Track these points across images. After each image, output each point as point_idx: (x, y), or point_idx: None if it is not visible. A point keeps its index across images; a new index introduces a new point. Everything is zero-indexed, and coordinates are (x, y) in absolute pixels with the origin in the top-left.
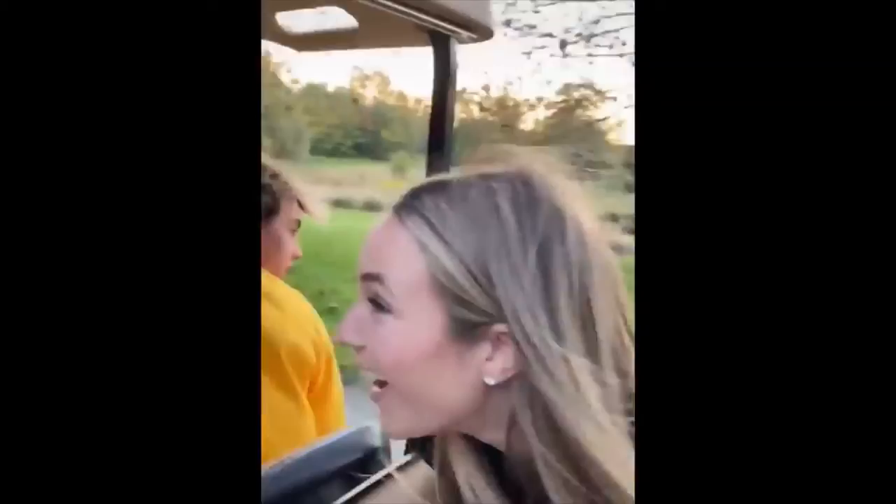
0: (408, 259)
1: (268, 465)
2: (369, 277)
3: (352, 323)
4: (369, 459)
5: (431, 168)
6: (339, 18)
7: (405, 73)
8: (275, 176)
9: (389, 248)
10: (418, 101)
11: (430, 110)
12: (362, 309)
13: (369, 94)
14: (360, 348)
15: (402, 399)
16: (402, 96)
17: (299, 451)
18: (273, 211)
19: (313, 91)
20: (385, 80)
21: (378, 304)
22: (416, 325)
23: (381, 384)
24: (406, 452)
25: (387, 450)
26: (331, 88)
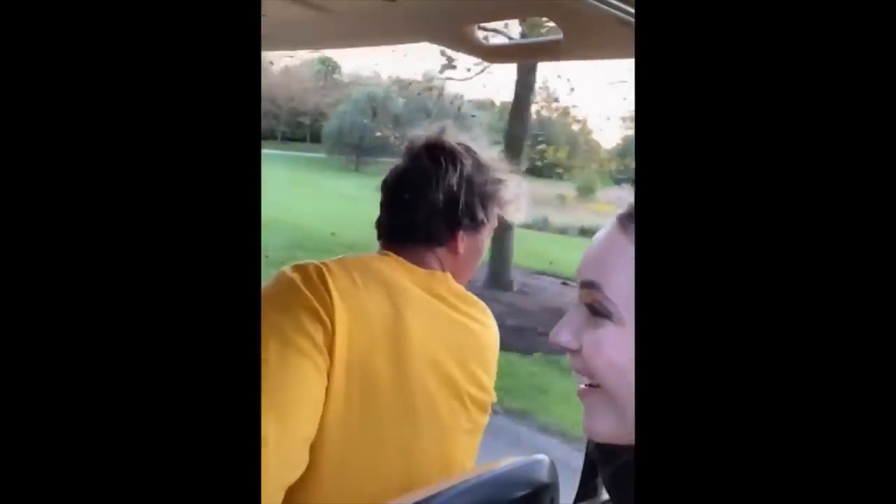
0: (629, 267)
1: (430, 491)
2: (589, 284)
3: (568, 326)
4: (538, 496)
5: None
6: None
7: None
8: (499, 182)
9: (611, 256)
10: (580, 119)
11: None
12: (579, 313)
13: (533, 110)
14: (574, 352)
15: (610, 403)
16: (564, 112)
17: (465, 478)
18: (489, 219)
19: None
20: (551, 96)
21: (596, 310)
22: (634, 332)
23: (592, 386)
24: (577, 501)
25: (556, 487)
26: (498, 102)
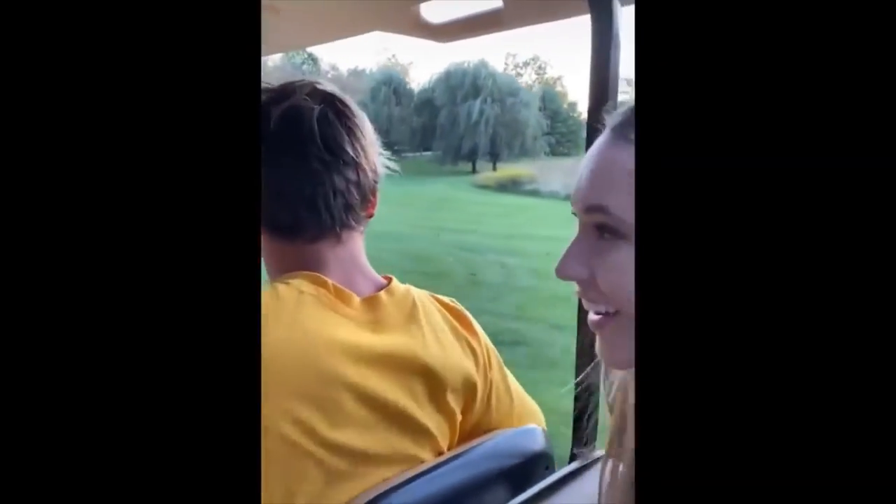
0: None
1: (425, 466)
2: (595, 208)
3: (575, 256)
4: (533, 464)
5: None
6: (483, 1)
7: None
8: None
9: (615, 171)
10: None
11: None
12: (585, 239)
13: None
14: (585, 281)
15: (630, 328)
16: (559, 83)
17: (458, 452)
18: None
19: None
20: (543, 66)
21: (609, 232)
22: None
23: (608, 314)
24: (571, 461)
25: (550, 454)
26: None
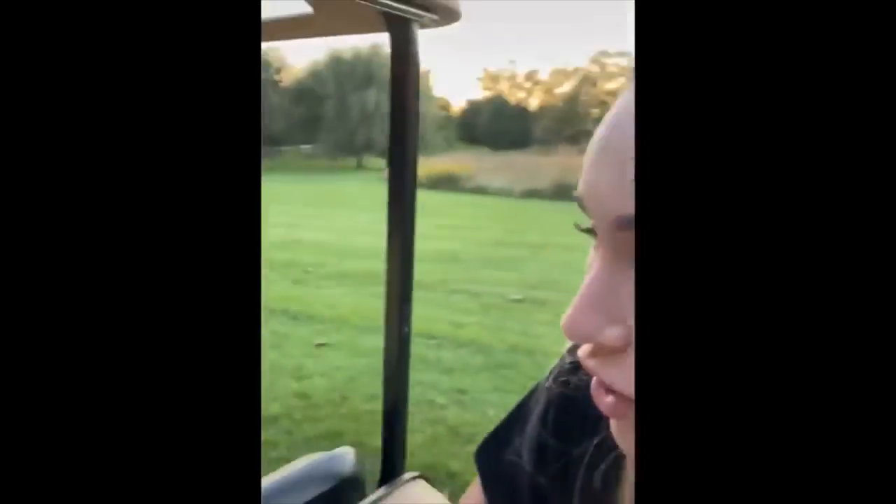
0: None
1: None
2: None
3: (596, 302)
4: (342, 489)
5: (394, 164)
6: (295, 5)
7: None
8: None
9: None
10: None
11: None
12: (611, 274)
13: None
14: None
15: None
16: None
17: (268, 480)
18: None
19: None
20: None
21: None
22: None
23: (621, 395)
24: (380, 485)
25: (361, 478)
26: None
